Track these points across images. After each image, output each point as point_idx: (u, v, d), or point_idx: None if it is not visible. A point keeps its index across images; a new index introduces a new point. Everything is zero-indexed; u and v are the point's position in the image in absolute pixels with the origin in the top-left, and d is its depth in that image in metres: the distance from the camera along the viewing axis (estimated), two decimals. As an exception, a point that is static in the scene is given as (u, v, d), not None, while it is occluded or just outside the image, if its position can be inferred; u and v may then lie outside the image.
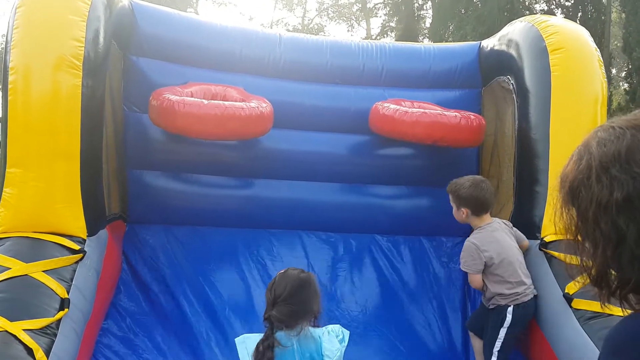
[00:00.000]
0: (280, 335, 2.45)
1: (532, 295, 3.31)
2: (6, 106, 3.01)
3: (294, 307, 2.47)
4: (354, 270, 4.24)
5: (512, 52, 3.94)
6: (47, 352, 2.47)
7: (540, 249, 3.36)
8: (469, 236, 3.74)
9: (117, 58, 3.78)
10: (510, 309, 3.25)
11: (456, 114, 3.86)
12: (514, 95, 3.84)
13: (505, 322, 3.26)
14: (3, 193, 2.98)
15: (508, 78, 3.95)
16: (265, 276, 4.06)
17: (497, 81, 4.15)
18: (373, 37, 22.60)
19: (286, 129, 4.15)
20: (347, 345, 2.63)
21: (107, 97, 3.42)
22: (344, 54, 4.37)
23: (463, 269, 3.45)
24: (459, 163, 4.38)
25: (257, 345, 2.46)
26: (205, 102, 3.45)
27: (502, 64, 4.07)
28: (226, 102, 3.52)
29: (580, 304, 3.01)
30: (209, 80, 3.99)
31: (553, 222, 3.47)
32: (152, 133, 3.91)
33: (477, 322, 3.54)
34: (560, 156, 3.49)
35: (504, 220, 3.55)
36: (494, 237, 3.36)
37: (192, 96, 3.61)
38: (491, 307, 3.33)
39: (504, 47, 4.08)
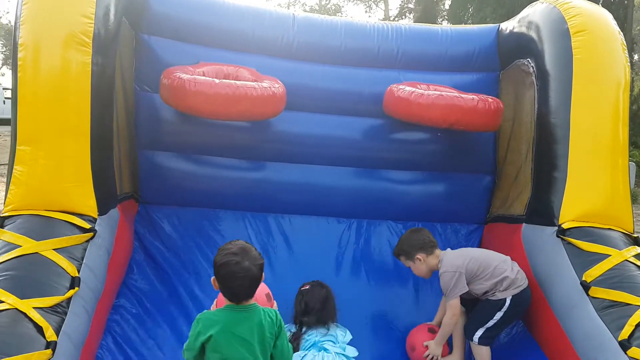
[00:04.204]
0: (309, 333, 3.45)
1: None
2: (16, 83, 2.98)
3: (318, 316, 3.51)
4: (365, 256, 4.20)
5: (533, 34, 3.83)
6: (57, 331, 2.46)
7: (557, 236, 3.28)
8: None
9: (129, 36, 3.74)
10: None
11: (473, 96, 3.77)
12: (534, 79, 3.75)
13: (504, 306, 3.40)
14: (14, 170, 2.96)
15: (528, 61, 3.85)
16: (275, 259, 4.04)
17: (516, 64, 4.05)
18: (391, 19, 22.35)
19: (299, 111, 4.09)
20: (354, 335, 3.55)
21: (117, 76, 3.38)
22: (358, 35, 4.28)
23: (453, 300, 3.44)
24: (475, 148, 4.31)
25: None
26: (217, 81, 3.39)
27: (522, 46, 3.96)
28: (238, 82, 3.46)
29: (597, 292, 2.95)
30: (221, 60, 3.93)
31: (572, 208, 3.40)
32: (164, 113, 3.87)
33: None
34: (581, 141, 3.41)
35: None
36: (460, 253, 3.56)
37: (204, 76, 3.56)
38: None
39: (524, 30, 3.97)
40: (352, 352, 3.45)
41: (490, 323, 3.43)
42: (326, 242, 4.17)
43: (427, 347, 3.56)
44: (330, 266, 4.10)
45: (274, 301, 3.18)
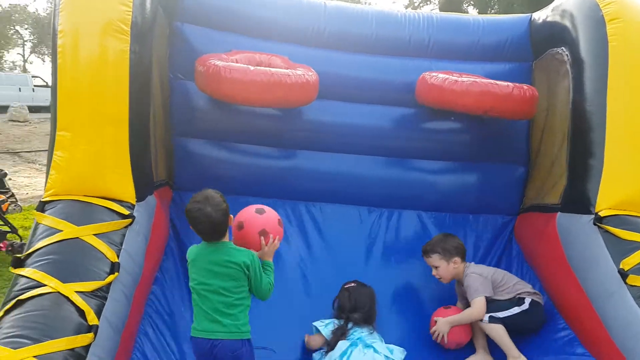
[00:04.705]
0: (355, 329, 3.47)
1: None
2: (56, 69, 3.01)
3: (366, 315, 3.56)
4: (395, 246, 4.19)
5: (567, 23, 3.78)
6: (98, 314, 2.49)
7: (594, 224, 3.24)
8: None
9: (163, 25, 3.76)
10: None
11: (508, 83, 3.74)
12: (569, 67, 3.70)
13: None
14: (54, 156, 2.99)
15: (562, 49, 3.80)
16: (304, 248, 4.05)
17: (550, 53, 4.00)
18: (415, 5, 22.03)
19: (330, 100, 4.08)
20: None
21: (154, 64, 3.40)
22: (390, 24, 4.26)
23: (480, 297, 3.51)
24: (508, 138, 4.28)
25: (334, 331, 3.48)
26: (252, 68, 3.41)
27: (556, 35, 3.91)
28: (272, 69, 3.47)
29: (635, 280, 2.91)
30: (253, 48, 3.95)
31: (608, 196, 3.33)
32: (197, 101, 3.90)
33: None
34: (617, 128, 3.36)
35: None
36: (484, 266, 3.80)
37: (237, 63, 3.57)
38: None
39: (557, 18, 3.93)
40: (401, 352, 3.45)
41: (502, 314, 3.47)
42: (356, 231, 4.16)
43: (436, 322, 3.60)
44: (360, 255, 4.10)
45: (271, 237, 2.88)
